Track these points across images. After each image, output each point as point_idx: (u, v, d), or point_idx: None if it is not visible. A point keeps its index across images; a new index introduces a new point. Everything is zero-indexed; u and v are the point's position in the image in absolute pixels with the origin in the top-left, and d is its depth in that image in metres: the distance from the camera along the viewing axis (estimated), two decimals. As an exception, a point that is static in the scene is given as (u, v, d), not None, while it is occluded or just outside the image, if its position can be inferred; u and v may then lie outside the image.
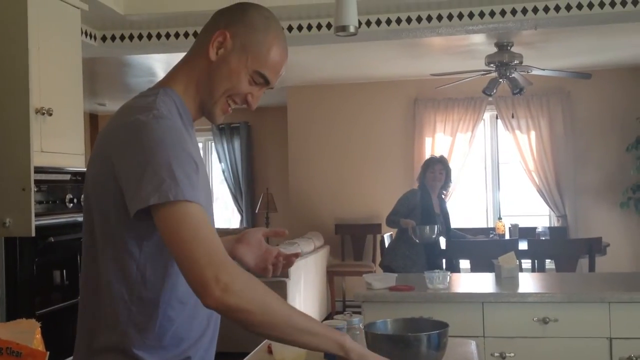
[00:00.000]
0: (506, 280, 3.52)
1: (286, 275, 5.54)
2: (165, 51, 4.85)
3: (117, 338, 1.32)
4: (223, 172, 9.39)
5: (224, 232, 1.60)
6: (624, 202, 7.06)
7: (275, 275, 1.70)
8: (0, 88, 2.76)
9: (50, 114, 2.92)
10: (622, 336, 3.06)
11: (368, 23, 4.17)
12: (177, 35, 4.37)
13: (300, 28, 4.24)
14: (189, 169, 1.27)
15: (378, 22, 4.18)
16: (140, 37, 4.41)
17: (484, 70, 6.03)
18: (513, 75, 5.95)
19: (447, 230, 5.34)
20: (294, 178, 8.01)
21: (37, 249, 2.91)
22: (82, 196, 1.51)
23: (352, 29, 2.92)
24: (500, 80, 6.02)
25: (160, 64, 6.48)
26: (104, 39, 4.42)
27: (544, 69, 5.98)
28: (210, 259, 1.21)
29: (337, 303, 7.33)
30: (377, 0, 4.04)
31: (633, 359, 3.02)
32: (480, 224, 7.57)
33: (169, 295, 1.34)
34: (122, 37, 4.41)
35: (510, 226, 6.42)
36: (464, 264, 5.24)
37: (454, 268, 4.91)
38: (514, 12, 4.04)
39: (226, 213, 9.57)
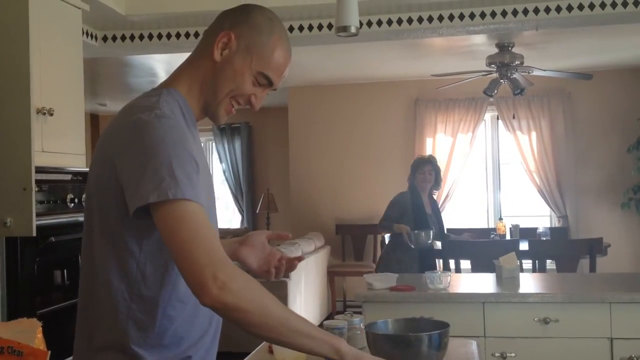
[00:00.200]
0: (507, 281, 3.52)
1: (287, 276, 5.54)
2: (166, 51, 4.85)
3: (117, 336, 1.33)
4: (224, 172, 9.40)
5: (224, 233, 1.61)
6: (624, 202, 7.06)
7: (277, 278, 1.70)
8: (1, 88, 2.76)
9: (51, 114, 2.92)
10: (623, 336, 3.06)
11: (369, 23, 4.17)
12: (178, 35, 4.37)
13: (301, 28, 4.24)
14: (190, 168, 1.27)
15: (379, 23, 4.18)
16: (141, 37, 4.41)
17: (484, 71, 6.03)
18: (514, 75, 5.95)
19: (441, 231, 5.27)
20: (294, 178, 8.01)
21: (38, 248, 2.91)
22: (84, 195, 1.51)
23: (353, 30, 2.92)
24: (501, 80, 6.02)
25: (161, 64, 6.49)
26: (105, 39, 4.42)
27: (544, 70, 5.97)
28: (210, 259, 1.21)
29: (337, 303, 7.34)
30: (378, 1, 4.04)
31: (634, 359, 3.02)
32: (481, 224, 7.57)
33: (169, 294, 1.34)
34: (123, 38, 4.42)
35: (511, 226, 6.42)
36: (465, 264, 5.23)
37: (448, 269, 4.88)
38: (515, 12, 4.04)
39: (227, 213, 9.57)
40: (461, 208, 7.69)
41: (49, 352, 1.33)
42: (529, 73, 6.08)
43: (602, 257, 5.48)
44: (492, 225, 7.28)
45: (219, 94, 1.43)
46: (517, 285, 3.47)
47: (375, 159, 7.78)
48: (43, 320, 1.48)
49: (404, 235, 4.84)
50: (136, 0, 4.04)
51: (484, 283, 3.67)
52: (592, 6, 3.96)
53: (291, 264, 1.69)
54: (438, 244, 5.19)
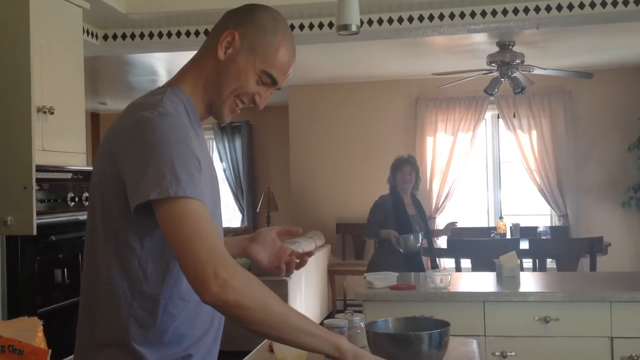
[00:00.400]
0: (507, 280, 3.52)
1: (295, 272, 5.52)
2: (166, 50, 4.85)
3: (118, 333, 1.33)
4: (224, 171, 9.39)
5: (224, 231, 1.61)
6: (625, 201, 7.06)
7: (288, 275, 1.71)
8: (2, 87, 2.76)
9: (52, 113, 2.92)
10: (624, 335, 3.06)
11: (370, 22, 4.17)
12: (178, 34, 4.36)
13: (302, 27, 4.24)
14: (192, 166, 1.28)
15: (380, 21, 4.18)
16: (141, 35, 4.41)
17: (485, 70, 6.03)
18: (514, 74, 5.95)
19: (427, 232, 5.05)
20: (295, 177, 8.01)
21: (39, 247, 2.91)
22: (88, 193, 1.52)
23: (354, 28, 2.92)
24: (502, 79, 6.02)
25: (161, 62, 6.48)
26: (105, 37, 4.42)
27: (545, 69, 5.97)
28: (211, 256, 1.22)
29: (338, 302, 7.34)
30: (378, -1, 4.04)
31: (634, 358, 3.02)
32: (482, 223, 7.57)
33: (171, 292, 1.34)
34: (124, 36, 4.41)
35: (511, 225, 6.43)
36: (465, 263, 5.22)
37: (436, 267, 4.82)
38: (515, 11, 4.04)
39: (227, 212, 9.57)
40: (462, 207, 7.69)
41: (50, 350, 1.33)
42: (529, 72, 6.08)
43: (603, 256, 5.49)
44: (492, 224, 7.29)
45: (223, 92, 1.43)
46: (518, 284, 3.47)
47: (376, 157, 7.76)
48: (44, 319, 1.48)
49: (392, 240, 4.67)
50: (137, -2, 4.04)
51: (484, 282, 3.67)
52: (592, 5, 3.96)
53: (302, 259, 1.70)
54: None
